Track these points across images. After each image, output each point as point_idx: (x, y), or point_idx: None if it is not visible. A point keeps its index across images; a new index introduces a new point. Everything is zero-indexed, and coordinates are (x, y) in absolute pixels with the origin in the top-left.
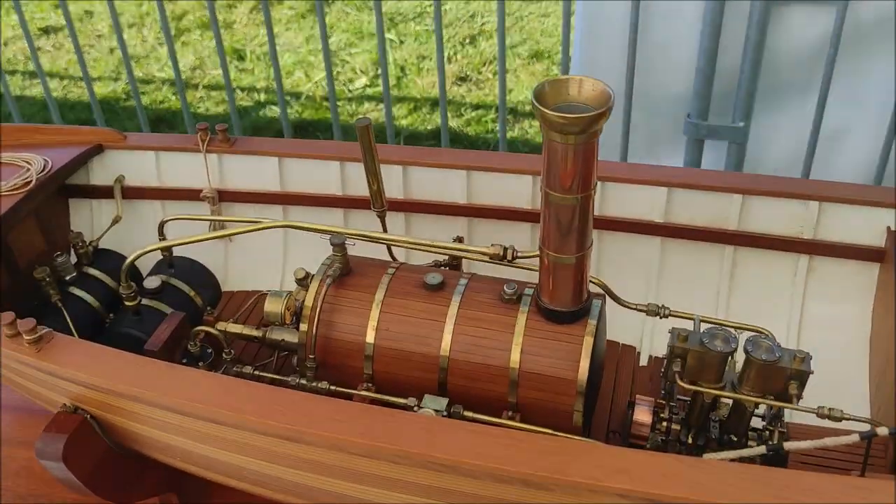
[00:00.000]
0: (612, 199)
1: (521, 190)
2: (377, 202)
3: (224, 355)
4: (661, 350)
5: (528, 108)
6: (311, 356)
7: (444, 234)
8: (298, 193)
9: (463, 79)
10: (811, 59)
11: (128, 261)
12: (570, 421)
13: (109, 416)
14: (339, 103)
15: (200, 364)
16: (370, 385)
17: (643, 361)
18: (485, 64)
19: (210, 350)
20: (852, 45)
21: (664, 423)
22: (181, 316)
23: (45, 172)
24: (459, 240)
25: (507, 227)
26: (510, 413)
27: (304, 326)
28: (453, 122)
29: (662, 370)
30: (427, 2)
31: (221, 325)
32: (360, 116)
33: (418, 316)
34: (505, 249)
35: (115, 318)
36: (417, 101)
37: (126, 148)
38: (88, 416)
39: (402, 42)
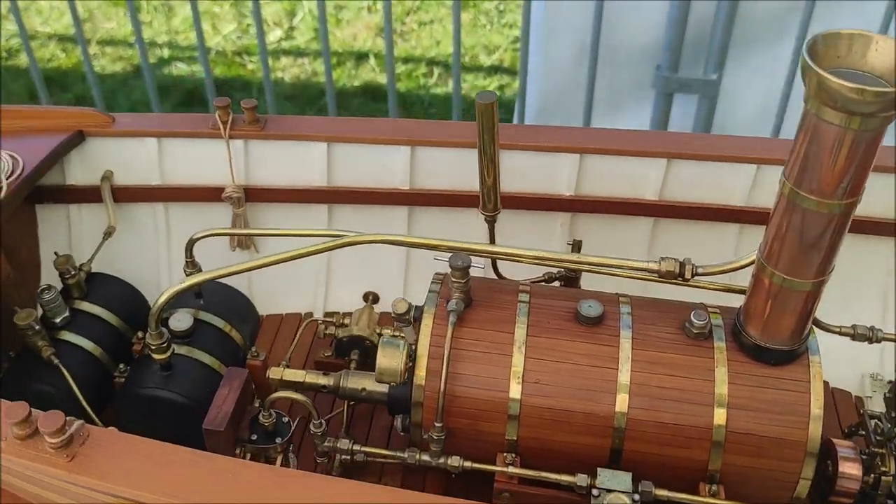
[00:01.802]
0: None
1: (647, 174)
2: (490, 202)
3: (313, 428)
4: (831, 376)
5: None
6: (437, 423)
7: (539, 235)
8: (349, 189)
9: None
10: (784, 8)
11: (160, 301)
12: (791, 492)
13: None
14: (250, 58)
15: (278, 441)
16: (513, 456)
17: None
18: (408, 13)
19: (286, 419)
20: None
21: (871, 476)
22: (244, 375)
23: (15, 176)
24: (576, 245)
25: (621, 224)
26: (711, 487)
27: (420, 379)
28: (381, 77)
29: (885, 410)
30: None
31: (275, 373)
32: (483, 90)
33: (578, 361)
34: (681, 265)
35: (133, 373)
36: (340, 55)
37: (115, 134)
38: None
39: None
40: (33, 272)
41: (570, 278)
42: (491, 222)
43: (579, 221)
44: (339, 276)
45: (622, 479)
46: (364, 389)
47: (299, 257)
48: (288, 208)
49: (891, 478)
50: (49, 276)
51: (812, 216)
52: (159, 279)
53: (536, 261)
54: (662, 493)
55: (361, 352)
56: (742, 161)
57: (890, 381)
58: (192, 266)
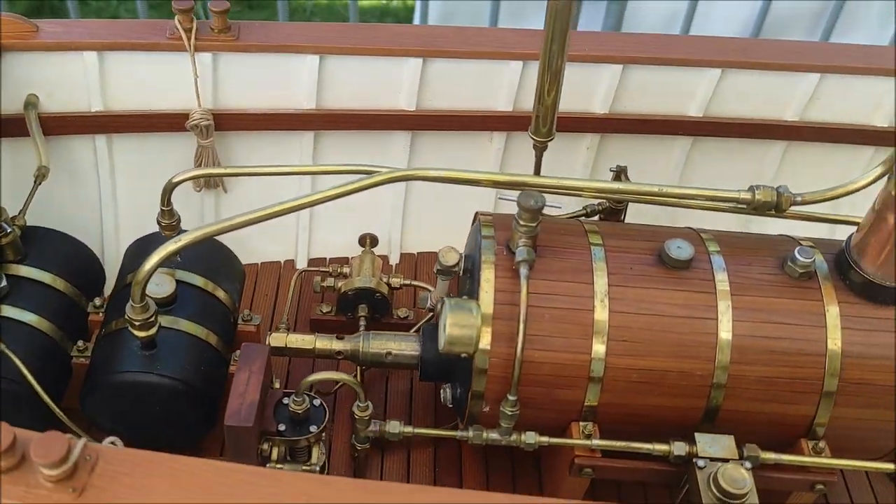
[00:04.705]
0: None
1: (694, 86)
2: (545, 125)
3: (357, 412)
4: None
5: None
6: (511, 396)
7: (561, 160)
8: (344, 112)
9: None
10: None
11: (148, 265)
12: (892, 443)
13: None
14: None
15: (313, 430)
16: (592, 425)
17: None
18: None
19: (320, 402)
20: None
21: None
22: (264, 354)
23: None
24: (622, 172)
25: (655, 145)
26: (818, 444)
27: (485, 344)
28: None
29: None
30: None
31: (277, 339)
32: None
33: (671, 313)
34: (779, 195)
35: (103, 355)
36: None
37: (40, 47)
38: None
39: None
40: None
41: (615, 211)
42: (541, 150)
43: (608, 143)
44: (324, 217)
45: (724, 444)
46: (390, 353)
47: (323, 201)
48: (264, 137)
49: None
50: None
51: None
52: (102, 229)
53: (603, 194)
54: (769, 455)
55: (370, 306)
56: (802, 70)
57: None
58: (169, 216)
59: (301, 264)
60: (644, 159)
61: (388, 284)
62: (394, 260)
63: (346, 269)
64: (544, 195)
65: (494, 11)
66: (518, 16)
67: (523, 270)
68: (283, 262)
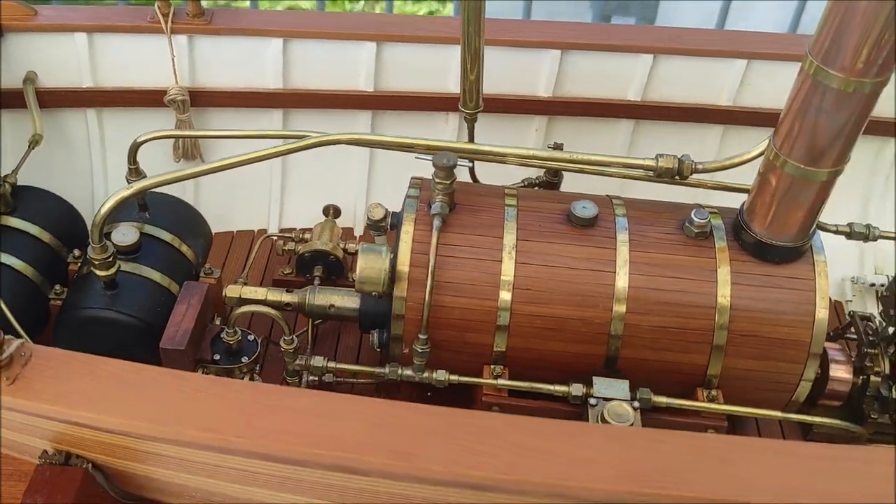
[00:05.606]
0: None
1: (631, 71)
2: (471, 100)
3: (283, 345)
4: None
5: None
6: (422, 335)
7: (513, 140)
8: (306, 91)
9: None
10: None
11: (104, 209)
12: (790, 395)
13: (120, 461)
14: None
15: (244, 360)
16: (501, 368)
17: None
18: None
19: (252, 337)
20: None
21: (860, 377)
22: (203, 290)
23: None
24: (558, 148)
25: (600, 127)
26: (710, 392)
27: (401, 290)
28: None
29: (881, 309)
30: None
31: (233, 290)
32: None
33: (572, 265)
34: (680, 162)
35: (72, 295)
36: None
37: (38, 28)
38: (89, 466)
39: None
40: None
41: (551, 184)
42: (471, 121)
43: (556, 125)
44: (295, 190)
45: (619, 387)
46: (332, 306)
47: (263, 159)
48: (238, 114)
49: (880, 378)
50: None
51: (836, 96)
52: (93, 194)
53: (521, 160)
54: (660, 399)
55: (326, 267)
56: (729, 56)
57: (872, 284)
58: (135, 174)
59: (273, 233)
60: (590, 142)
61: (345, 250)
62: (358, 232)
63: (307, 235)
64: (455, 155)
65: (527, 13)
66: (553, 16)
67: (436, 222)
68: (256, 230)
